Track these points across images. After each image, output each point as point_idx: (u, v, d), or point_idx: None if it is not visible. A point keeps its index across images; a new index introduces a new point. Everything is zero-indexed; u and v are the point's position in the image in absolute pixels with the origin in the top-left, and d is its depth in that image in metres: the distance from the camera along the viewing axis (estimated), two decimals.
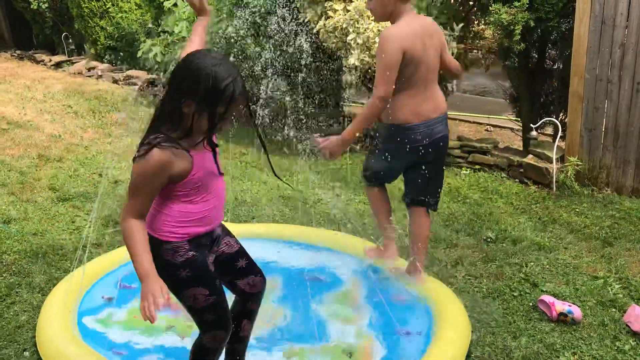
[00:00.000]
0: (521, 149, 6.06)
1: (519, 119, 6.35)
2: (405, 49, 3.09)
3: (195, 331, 3.10)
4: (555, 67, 5.98)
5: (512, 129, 7.66)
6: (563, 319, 3.31)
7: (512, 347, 3.10)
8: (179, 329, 3.21)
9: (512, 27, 5.13)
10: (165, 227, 2.30)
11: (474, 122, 8.20)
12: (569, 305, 3.34)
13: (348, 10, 5.39)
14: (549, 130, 6.35)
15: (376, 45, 5.18)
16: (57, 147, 6.64)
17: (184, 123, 2.15)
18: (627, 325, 3.25)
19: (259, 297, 2.67)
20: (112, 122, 7.78)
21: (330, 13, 5.50)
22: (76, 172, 5.89)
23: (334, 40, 5.49)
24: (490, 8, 5.29)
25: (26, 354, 3.05)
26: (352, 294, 3.58)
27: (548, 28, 5.29)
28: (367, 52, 5.29)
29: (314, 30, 5.73)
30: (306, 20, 5.85)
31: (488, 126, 8.15)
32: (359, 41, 5.15)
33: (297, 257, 3.96)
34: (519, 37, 5.14)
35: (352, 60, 5.28)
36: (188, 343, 3.09)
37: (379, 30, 5.20)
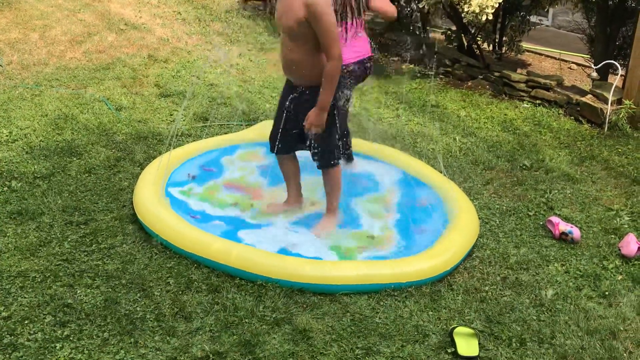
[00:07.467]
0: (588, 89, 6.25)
1: (592, 59, 6.49)
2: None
3: (253, 208, 3.92)
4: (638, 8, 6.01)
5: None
6: (564, 238, 3.81)
7: (510, 253, 3.67)
8: (241, 205, 4.02)
9: None
10: None
11: (559, 59, 8.28)
12: (571, 227, 3.82)
13: None
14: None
15: None
16: (165, 50, 7.54)
17: None
18: (618, 249, 3.70)
19: None
20: (214, 31, 8.57)
21: None
22: (178, 73, 6.76)
23: None
24: None
25: (125, 209, 3.98)
26: (387, 197, 4.23)
27: None
28: None
29: None
30: None
31: (572, 64, 8.21)
32: None
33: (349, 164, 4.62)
34: None
35: (474, 7, 5.63)
36: (247, 216, 3.92)
37: None
